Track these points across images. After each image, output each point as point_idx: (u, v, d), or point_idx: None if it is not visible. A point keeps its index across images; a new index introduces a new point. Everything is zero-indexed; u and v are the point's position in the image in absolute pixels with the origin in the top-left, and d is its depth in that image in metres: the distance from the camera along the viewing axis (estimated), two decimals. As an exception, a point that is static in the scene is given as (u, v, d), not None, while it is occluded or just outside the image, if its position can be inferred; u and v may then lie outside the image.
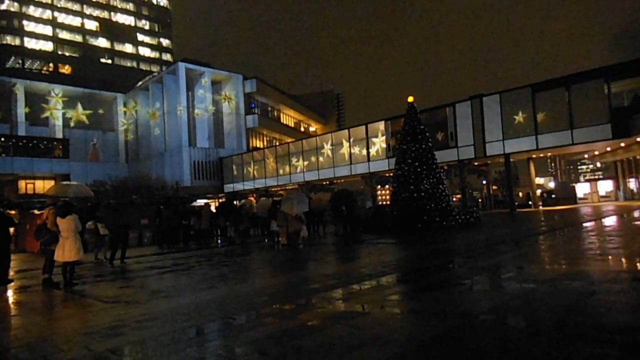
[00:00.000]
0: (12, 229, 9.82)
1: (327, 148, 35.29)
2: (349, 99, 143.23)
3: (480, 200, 38.64)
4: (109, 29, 76.40)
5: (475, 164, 30.10)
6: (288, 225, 11.41)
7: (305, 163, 36.99)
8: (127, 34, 78.86)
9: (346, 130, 35.06)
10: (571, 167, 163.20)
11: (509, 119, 25.98)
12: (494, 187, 41.17)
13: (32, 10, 69.19)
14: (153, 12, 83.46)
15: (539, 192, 37.16)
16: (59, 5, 71.90)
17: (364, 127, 32.70)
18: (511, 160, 28.08)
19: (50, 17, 70.83)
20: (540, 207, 31.36)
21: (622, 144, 26.81)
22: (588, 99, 23.28)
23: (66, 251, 7.75)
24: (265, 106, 52.29)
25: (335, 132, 38.14)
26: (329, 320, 4.24)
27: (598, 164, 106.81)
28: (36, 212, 16.43)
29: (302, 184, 36.52)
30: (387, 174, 30.16)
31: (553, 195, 38.74)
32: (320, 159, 35.81)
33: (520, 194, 39.21)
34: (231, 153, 44.69)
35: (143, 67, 77.88)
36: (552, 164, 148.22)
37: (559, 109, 24.29)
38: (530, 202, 32.61)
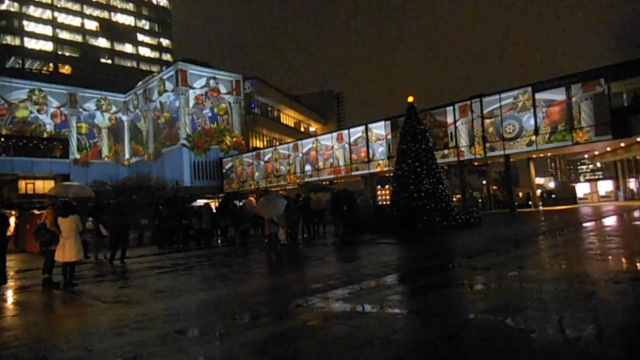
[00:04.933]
0: (11, 228, 9.83)
1: (327, 148, 35.30)
2: (349, 99, 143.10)
3: (480, 200, 38.68)
4: (109, 29, 76.39)
5: (475, 164, 30.10)
6: (265, 227, 11.36)
7: (305, 163, 37.00)
8: (127, 34, 78.84)
9: (346, 130, 35.07)
10: (571, 167, 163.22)
11: (509, 119, 25.96)
12: (494, 187, 41.22)
13: (32, 10, 69.16)
14: (153, 12, 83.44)
15: (539, 192, 37.18)
16: (59, 5, 71.87)
17: (363, 127, 32.71)
18: (511, 160, 28.08)
19: (50, 17, 70.80)
20: (540, 207, 31.37)
21: (622, 144, 26.79)
22: (587, 99, 23.27)
23: (66, 251, 7.75)
24: (265, 106, 52.31)
25: (336, 132, 38.17)
26: (329, 320, 4.24)
27: (598, 164, 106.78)
28: (36, 212, 16.44)
29: (302, 184, 36.53)
30: (387, 174, 30.16)
31: (553, 195, 38.77)
32: (320, 159, 35.82)
33: (520, 194, 39.25)
34: (231, 153, 44.74)
35: (143, 67, 77.85)
36: (552, 164, 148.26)
37: (558, 108, 24.27)
38: (530, 202, 32.62)
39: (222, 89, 46.32)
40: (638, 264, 6.52)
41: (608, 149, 29.57)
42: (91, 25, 75.24)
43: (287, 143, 40.90)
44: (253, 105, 49.22)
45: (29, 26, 68.41)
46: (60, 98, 47.65)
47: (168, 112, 45.76)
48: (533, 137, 24.94)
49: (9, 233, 13.73)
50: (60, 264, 7.88)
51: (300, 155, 37.40)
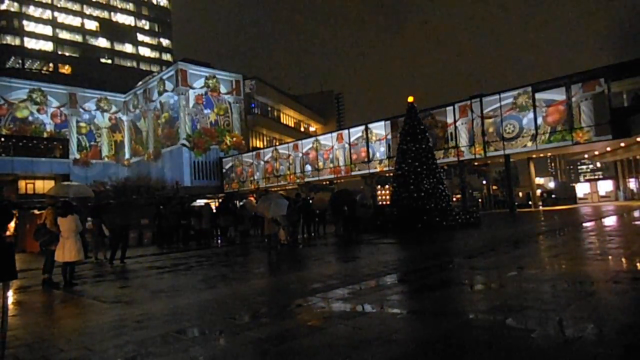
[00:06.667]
0: (11, 228, 9.81)
1: (327, 148, 35.29)
2: (349, 99, 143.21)
3: (480, 200, 38.70)
4: (109, 29, 76.38)
5: (475, 164, 30.13)
6: (265, 227, 11.37)
7: (305, 163, 37.00)
8: (127, 34, 78.84)
9: (346, 130, 35.07)
10: (571, 167, 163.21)
11: (509, 119, 25.95)
12: (494, 187, 41.27)
13: (32, 10, 69.16)
14: (153, 12, 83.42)
15: (539, 192, 37.19)
16: (59, 5, 71.88)
17: (363, 127, 32.71)
18: (511, 160, 28.07)
19: (50, 17, 70.80)
20: (540, 207, 31.37)
21: (622, 144, 26.79)
22: (587, 99, 23.27)
23: (66, 251, 7.75)
24: (265, 106, 52.31)
25: (336, 132, 38.19)
26: (329, 320, 4.24)
27: (598, 164, 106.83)
28: (36, 212, 16.45)
29: (302, 184, 36.52)
30: (387, 174, 30.16)
31: (553, 195, 38.79)
32: (320, 159, 35.82)
33: (520, 194, 39.29)
34: (231, 153, 44.75)
35: (143, 67, 77.85)
36: (552, 164, 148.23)
37: (558, 108, 24.27)
38: (530, 202, 32.62)
39: (222, 89, 46.32)
40: (638, 264, 6.52)
41: (608, 149, 29.56)
42: (91, 25, 75.23)
43: (287, 143, 40.90)
44: (253, 105, 49.22)
45: (29, 26, 68.40)
46: (60, 98, 47.63)
47: (168, 112, 45.75)
48: (533, 137, 24.94)
49: (8, 232, 13.73)
50: (60, 264, 7.88)
51: (300, 155, 37.39)
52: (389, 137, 30.47)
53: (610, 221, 15.24)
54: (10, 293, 7.58)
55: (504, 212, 27.56)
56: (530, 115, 25.01)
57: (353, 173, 33.52)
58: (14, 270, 4.19)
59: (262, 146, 48.56)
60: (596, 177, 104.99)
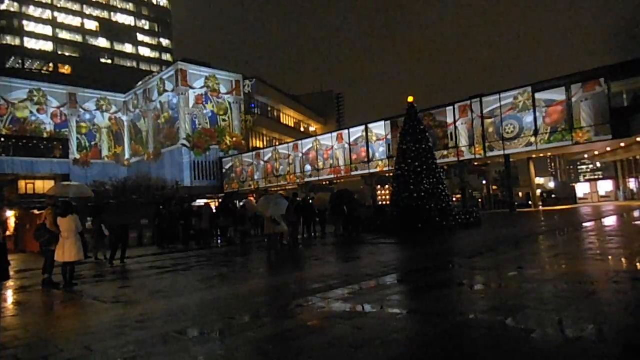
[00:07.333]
0: (11, 228, 9.80)
1: (327, 148, 35.29)
2: (349, 99, 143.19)
3: (480, 200, 38.67)
4: (109, 29, 76.35)
5: (475, 164, 30.12)
6: (265, 227, 11.36)
7: (305, 163, 37.00)
8: (127, 34, 78.79)
9: (346, 130, 35.07)
10: (571, 167, 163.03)
11: (509, 119, 25.95)
12: (494, 187, 41.23)
13: (32, 10, 69.15)
14: (153, 12, 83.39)
15: (539, 192, 37.18)
16: (59, 5, 71.85)
17: (363, 127, 32.70)
18: (511, 160, 28.07)
19: (50, 17, 70.78)
20: (540, 207, 31.35)
21: (622, 144, 26.79)
22: (587, 99, 23.27)
23: (66, 251, 7.74)
24: (265, 106, 52.33)
25: (336, 132, 38.18)
26: (329, 320, 4.24)
27: (598, 164, 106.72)
28: (36, 212, 16.43)
29: (302, 184, 36.52)
30: (387, 174, 30.16)
31: (553, 195, 38.79)
32: (320, 159, 35.82)
33: (520, 194, 39.28)
34: (231, 153, 44.76)
35: (143, 67, 77.79)
36: (552, 164, 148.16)
37: (558, 108, 24.27)
38: (530, 202, 32.61)
39: (222, 89, 46.32)
40: (638, 264, 6.52)
41: (608, 149, 29.56)
42: (91, 25, 75.19)
43: (287, 143, 40.89)
44: (253, 105, 49.24)
45: (29, 26, 68.37)
46: (60, 98, 47.67)
47: (168, 112, 45.77)
48: (533, 137, 24.93)
49: (8, 233, 13.74)
50: (60, 264, 7.87)
51: (300, 155, 37.39)
52: (389, 137, 30.48)
53: (610, 221, 15.24)
54: (10, 293, 7.58)
55: (504, 212, 27.55)
56: (530, 115, 25.01)
57: (353, 173, 33.51)
58: (7, 271, 4.19)
59: (262, 146, 48.56)
60: (596, 177, 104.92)
